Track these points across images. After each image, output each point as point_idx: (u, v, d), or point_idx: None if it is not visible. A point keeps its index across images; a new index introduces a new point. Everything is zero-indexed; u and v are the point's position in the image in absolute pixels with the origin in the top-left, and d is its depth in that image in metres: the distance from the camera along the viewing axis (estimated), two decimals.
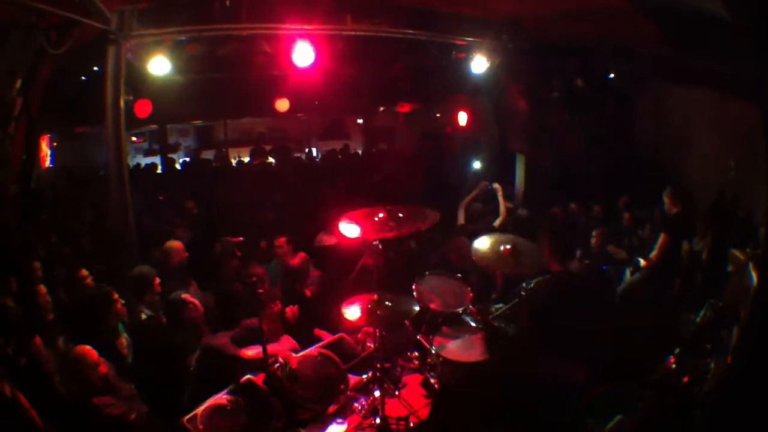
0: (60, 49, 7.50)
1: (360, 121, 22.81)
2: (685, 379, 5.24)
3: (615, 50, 11.52)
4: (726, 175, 10.62)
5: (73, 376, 5.44)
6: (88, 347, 5.59)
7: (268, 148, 20.27)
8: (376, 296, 5.97)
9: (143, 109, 10.70)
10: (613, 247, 10.00)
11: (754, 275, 5.37)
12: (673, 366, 5.60)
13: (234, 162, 19.53)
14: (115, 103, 8.80)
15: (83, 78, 11.40)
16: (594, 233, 9.94)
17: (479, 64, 11.43)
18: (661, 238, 8.62)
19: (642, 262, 8.90)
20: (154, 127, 18.47)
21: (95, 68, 10.35)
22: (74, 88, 11.03)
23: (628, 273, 9.36)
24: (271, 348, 5.96)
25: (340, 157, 19.74)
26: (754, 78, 2.79)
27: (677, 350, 6.19)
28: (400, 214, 6.03)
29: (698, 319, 8.00)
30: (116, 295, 6.38)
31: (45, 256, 7.59)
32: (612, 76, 12.70)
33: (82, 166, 15.73)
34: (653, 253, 8.68)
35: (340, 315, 5.90)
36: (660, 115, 12.95)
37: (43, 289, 6.23)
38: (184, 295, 7.08)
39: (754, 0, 2.62)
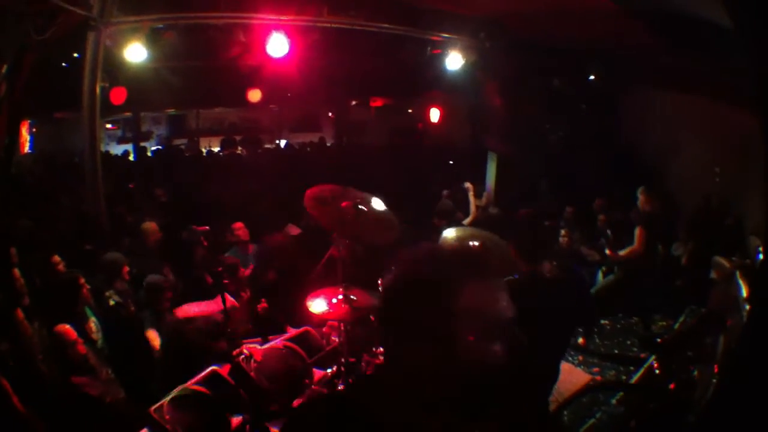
0: (44, 35, 7.50)
1: (331, 114, 22.82)
2: (672, 386, 5.24)
3: (599, 52, 11.58)
4: (712, 182, 10.73)
5: (53, 355, 5.47)
6: (67, 326, 5.60)
7: (238, 138, 20.25)
8: (341, 290, 6.00)
9: (118, 96, 10.65)
10: (586, 248, 10.04)
11: (743, 285, 5.42)
12: (657, 371, 5.62)
13: (204, 151, 19.49)
14: (91, 89, 8.83)
15: (64, 64, 11.31)
16: (562, 233, 10.01)
17: (454, 61, 11.48)
18: (638, 232, 8.55)
19: (607, 251, 8.86)
20: (128, 114, 18.34)
21: (75, 54, 10.26)
22: (55, 74, 10.95)
23: (600, 275, 9.38)
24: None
25: (308, 149, 19.73)
26: (754, 85, 2.83)
27: (654, 356, 6.25)
28: (363, 207, 6.05)
29: (677, 325, 8.06)
30: (83, 280, 6.37)
31: (23, 242, 7.54)
32: (592, 77, 12.75)
33: (60, 152, 15.66)
34: (632, 247, 8.62)
35: (306, 308, 5.90)
36: (645, 118, 13.05)
37: (17, 272, 6.21)
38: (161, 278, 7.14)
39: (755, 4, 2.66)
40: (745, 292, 5.32)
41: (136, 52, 9.27)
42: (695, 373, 5.40)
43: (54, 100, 12.30)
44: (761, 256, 5.88)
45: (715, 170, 10.74)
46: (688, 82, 10.38)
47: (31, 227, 8.25)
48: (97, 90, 8.90)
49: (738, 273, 5.78)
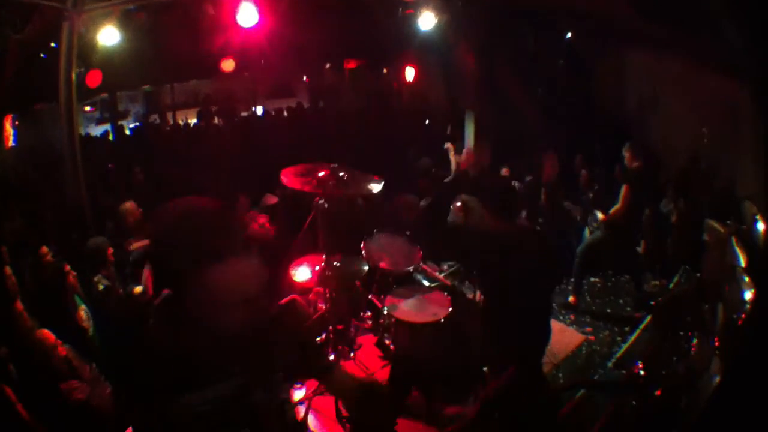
0: (22, 32, 7.51)
1: (305, 78, 22.67)
2: (659, 392, 5.21)
3: (576, 12, 11.48)
4: (700, 143, 10.65)
5: (36, 362, 5.48)
6: (45, 330, 5.59)
7: (214, 109, 20.12)
8: (324, 256, 6.03)
9: (94, 78, 10.59)
10: (569, 203, 10.02)
11: (741, 254, 5.41)
12: (642, 372, 5.62)
13: (181, 124, 19.41)
14: (67, 78, 8.95)
15: (42, 56, 11.23)
16: (543, 190, 10.05)
17: (427, 21, 11.40)
18: (624, 189, 8.48)
19: (600, 215, 8.82)
20: (105, 95, 18.28)
21: (53, 44, 10.23)
22: (34, 66, 10.86)
23: (587, 232, 9.42)
24: None
25: (285, 115, 19.61)
26: (742, 53, 2.85)
27: (648, 318, 6.23)
28: (342, 173, 6.08)
29: (672, 285, 8.06)
30: (68, 267, 6.38)
31: (12, 240, 7.54)
32: (569, 35, 12.68)
33: (42, 142, 15.54)
34: (616, 207, 8.58)
35: (290, 276, 5.94)
36: (626, 77, 13.00)
37: (8, 270, 6.20)
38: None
39: None
40: (743, 262, 5.32)
41: (109, 36, 9.33)
42: (694, 341, 5.42)
43: (35, 91, 12.19)
44: (759, 225, 5.84)
45: (703, 131, 10.66)
46: (670, 46, 10.32)
47: (21, 225, 8.25)
48: (74, 78, 9.00)
49: (734, 239, 5.77)
